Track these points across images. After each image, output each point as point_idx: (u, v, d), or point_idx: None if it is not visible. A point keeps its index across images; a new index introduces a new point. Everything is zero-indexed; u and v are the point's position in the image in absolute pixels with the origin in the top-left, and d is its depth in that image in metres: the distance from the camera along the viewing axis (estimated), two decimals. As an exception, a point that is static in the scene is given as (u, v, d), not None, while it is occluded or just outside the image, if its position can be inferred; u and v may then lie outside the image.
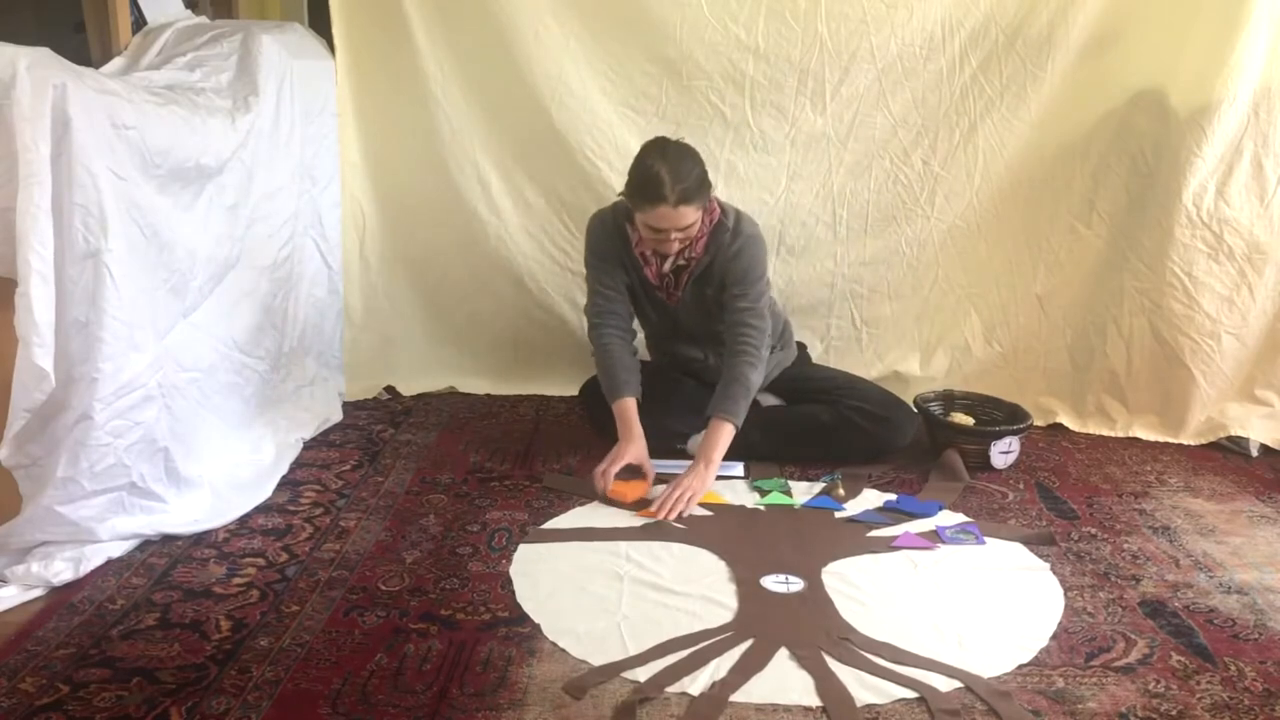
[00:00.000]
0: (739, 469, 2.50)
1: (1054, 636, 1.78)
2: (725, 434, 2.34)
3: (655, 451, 2.55)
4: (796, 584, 1.93)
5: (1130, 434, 2.86)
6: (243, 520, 2.15)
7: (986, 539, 2.15)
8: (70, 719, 1.48)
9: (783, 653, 1.69)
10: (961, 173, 2.95)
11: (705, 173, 2.32)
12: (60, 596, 1.82)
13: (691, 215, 2.29)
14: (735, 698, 1.57)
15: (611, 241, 2.49)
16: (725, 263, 2.42)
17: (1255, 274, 2.75)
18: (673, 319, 2.56)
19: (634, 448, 2.37)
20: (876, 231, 3.01)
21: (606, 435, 2.66)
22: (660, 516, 2.21)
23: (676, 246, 2.36)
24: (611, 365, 2.45)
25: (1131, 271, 2.85)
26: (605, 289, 2.50)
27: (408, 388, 3.04)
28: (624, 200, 2.38)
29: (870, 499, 2.35)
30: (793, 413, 2.62)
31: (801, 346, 2.82)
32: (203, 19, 2.65)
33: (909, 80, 2.88)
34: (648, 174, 2.25)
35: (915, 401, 2.70)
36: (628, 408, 2.42)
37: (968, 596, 1.92)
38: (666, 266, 2.46)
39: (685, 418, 2.58)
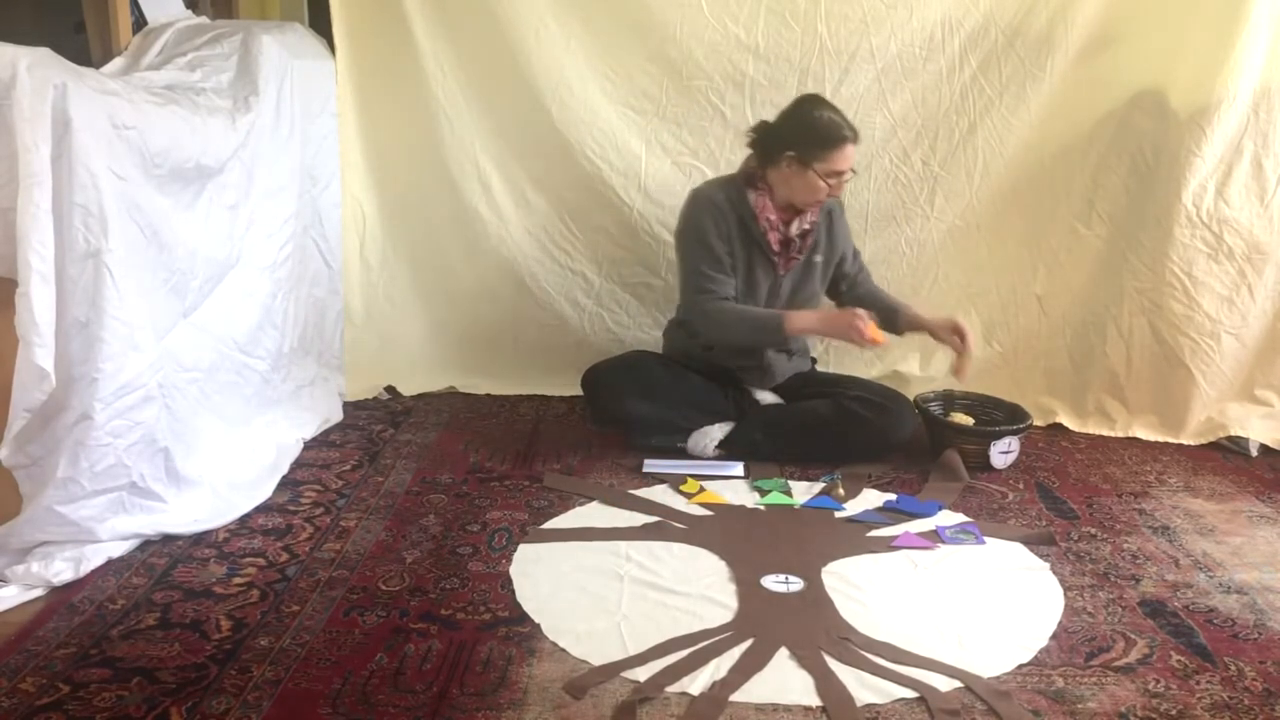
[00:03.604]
0: (739, 469, 2.50)
1: (1054, 636, 1.78)
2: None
3: (656, 449, 2.56)
4: (796, 584, 1.93)
5: (1130, 434, 2.86)
6: (243, 520, 2.15)
7: (986, 539, 2.15)
8: (70, 719, 1.48)
9: (783, 652, 1.69)
10: (961, 173, 2.95)
11: None
12: (60, 596, 1.82)
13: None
14: (735, 697, 1.57)
15: (726, 219, 2.52)
16: (842, 226, 2.63)
17: (1255, 274, 2.75)
18: (772, 294, 2.59)
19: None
20: (876, 231, 3.01)
21: (607, 428, 2.68)
22: (867, 335, 2.37)
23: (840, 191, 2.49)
24: (746, 311, 2.50)
25: (1131, 271, 2.85)
26: (715, 272, 2.50)
27: (408, 388, 3.04)
28: (739, 173, 2.55)
29: (870, 499, 2.36)
30: (794, 409, 2.62)
31: (813, 360, 2.84)
32: (203, 19, 2.65)
33: (908, 80, 2.88)
34: (824, 121, 2.40)
35: (915, 401, 2.70)
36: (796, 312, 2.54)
37: (968, 596, 1.92)
38: (794, 229, 2.52)
39: (687, 413, 2.59)
